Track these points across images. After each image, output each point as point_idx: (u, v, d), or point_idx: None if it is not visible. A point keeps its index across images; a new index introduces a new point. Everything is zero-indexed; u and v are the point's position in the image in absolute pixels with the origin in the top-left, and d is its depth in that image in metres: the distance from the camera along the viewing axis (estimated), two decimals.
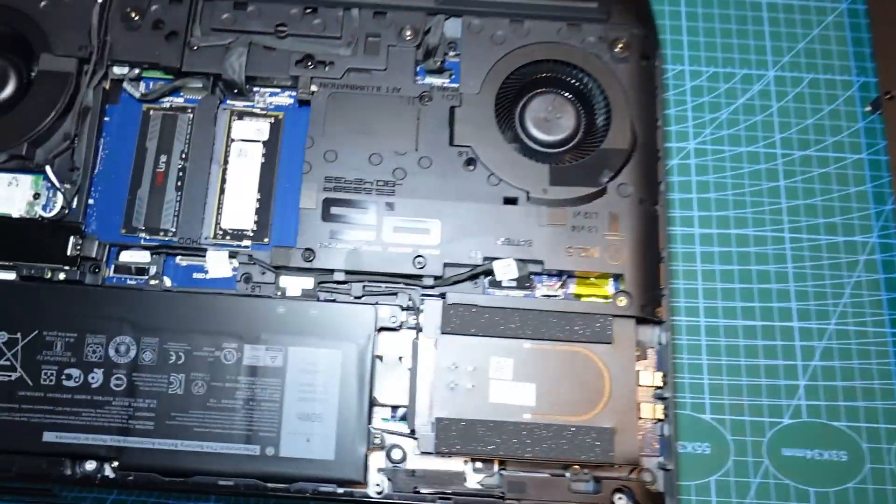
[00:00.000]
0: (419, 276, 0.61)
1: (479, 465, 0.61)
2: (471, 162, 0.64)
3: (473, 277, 0.62)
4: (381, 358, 0.62)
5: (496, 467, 0.61)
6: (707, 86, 0.78)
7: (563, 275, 0.63)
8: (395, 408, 0.62)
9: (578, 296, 0.64)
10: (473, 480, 0.60)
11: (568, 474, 0.60)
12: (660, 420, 0.62)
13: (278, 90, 0.67)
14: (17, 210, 0.63)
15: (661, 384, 0.62)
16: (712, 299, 0.72)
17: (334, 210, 0.62)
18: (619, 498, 0.60)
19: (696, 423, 0.70)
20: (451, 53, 0.67)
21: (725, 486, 0.68)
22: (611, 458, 0.58)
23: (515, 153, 0.64)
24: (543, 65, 0.66)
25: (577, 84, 0.67)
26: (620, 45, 0.66)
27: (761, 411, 0.70)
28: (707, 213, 0.75)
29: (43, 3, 0.66)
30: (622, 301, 0.61)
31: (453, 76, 0.67)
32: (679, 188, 0.74)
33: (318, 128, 0.64)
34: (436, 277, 0.61)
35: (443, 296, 0.61)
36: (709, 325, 0.72)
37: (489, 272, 0.61)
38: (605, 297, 0.63)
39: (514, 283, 0.62)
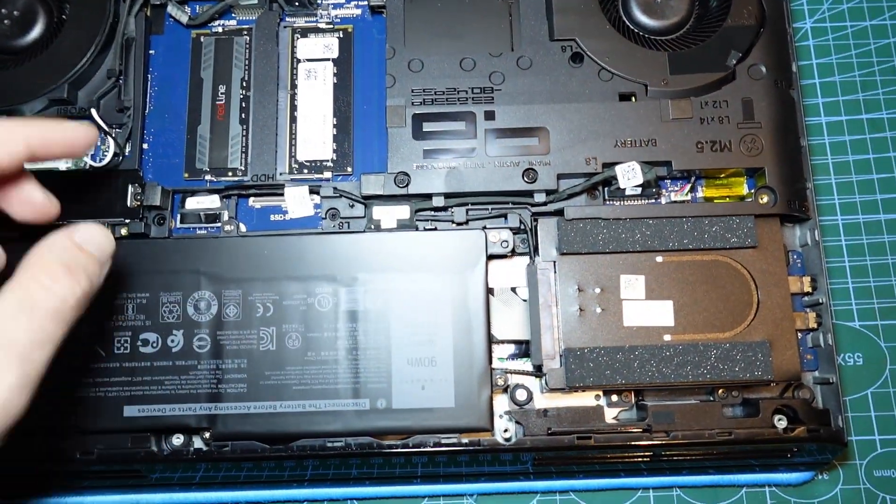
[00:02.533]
0: (530, 193, 0.54)
1: (613, 397, 0.54)
2: (577, 57, 0.56)
3: (592, 188, 0.54)
4: (491, 290, 0.55)
5: (632, 398, 0.54)
6: None
7: (691, 177, 0.55)
8: (514, 343, 0.55)
9: (710, 198, 0.56)
10: (609, 415, 0.54)
11: (714, 398, 0.54)
12: (812, 330, 0.55)
13: (342, 0, 0.59)
14: (62, 163, 0.56)
15: (810, 290, 0.55)
16: (849, 194, 0.65)
17: (427, 126, 0.55)
18: (780, 419, 0.53)
19: (845, 333, 0.62)
20: None
21: (885, 399, 0.61)
22: (770, 375, 0.51)
23: (627, 42, 0.56)
24: None
25: None
26: None
27: None
28: (833, 98, 0.66)
29: None
30: (764, 198, 0.54)
31: None
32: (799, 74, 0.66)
33: (397, 36, 0.56)
34: (548, 192, 0.54)
35: (559, 212, 0.54)
36: (848, 222, 0.64)
37: (609, 180, 0.54)
38: (741, 197, 0.56)
39: (638, 191, 0.54)
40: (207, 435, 0.52)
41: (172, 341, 0.52)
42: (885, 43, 0.67)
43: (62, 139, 0.40)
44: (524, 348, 0.55)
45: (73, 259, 0.38)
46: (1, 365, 0.33)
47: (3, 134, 0.38)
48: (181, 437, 0.52)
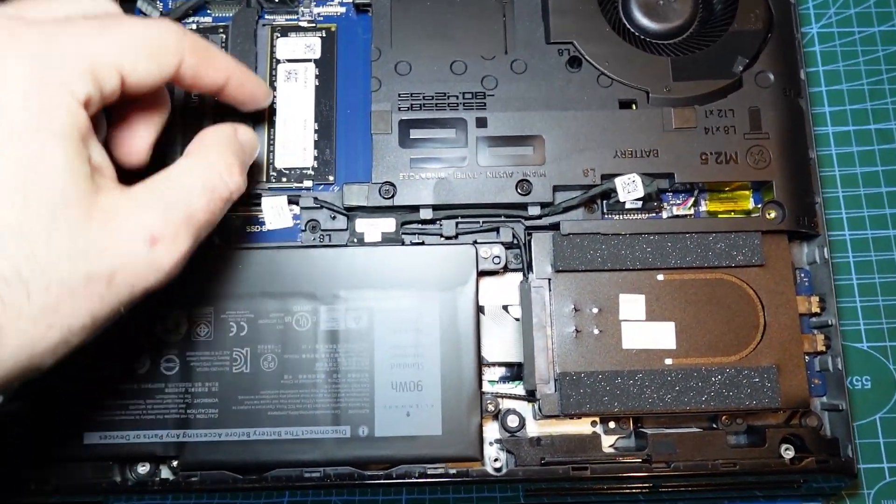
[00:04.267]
0: (524, 206, 0.51)
1: (611, 424, 0.51)
2: (574, 61, 0.52)
3: (590, 201, 0.51)
4: (482, 309, 0.51)
5: (630, 426, 0.51)
6: None
7: (694, 190, 0.52)
8: (506, 366, 0.52)
9: (714, 213, 0.53)
10: (606, 443, 0.51)
11: (718, 426, 0.51)
12: (821, 353, 0.52)
13: None
14: None
15: (818, 310, 0.52)
16: (857, 208, 0.62)
17: (414, 133, 0.51)
18: (787, 449, 0.50)
19: (853, 354, 0.59)
20: None
21: (894, 425, 0.58)
22: (778, 402, 0.48)
23: (628, 46, 0.52)
24: None
25: None
26: None
27: None
28: (840, 107, 0.63)
29: None
30: (772, 214, 0.51)
31: None
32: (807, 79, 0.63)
33: (383, 36, 0.53)
34: (543, 205, 0.51)
35: (554, 226, 0.51)
36: (855, 238, 0.61)
37: (608, 193, 0.50)
38: (747, 212, 0.53)
39: (638, 204, 0.51)
40: (175, 464, 0.48)
41: (139, 363, 0.48)
42: (894, 50, 0.64)
43: (253, 87, 0.46)
44: (516, 371, 0.51)
45: (242, 157, 0.43)
46: (181, 233, 0.37)
47: (219, 59, 0.43)
48: (147, 465, 0.49)
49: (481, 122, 0.51)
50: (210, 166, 0.40)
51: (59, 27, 0.35)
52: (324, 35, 0.55)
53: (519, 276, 0.52)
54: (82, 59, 0.35)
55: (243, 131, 0.44)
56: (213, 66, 0.42)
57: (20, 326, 0.32)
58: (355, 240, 0.51)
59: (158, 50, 0.38)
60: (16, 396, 0.47)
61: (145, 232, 0.36)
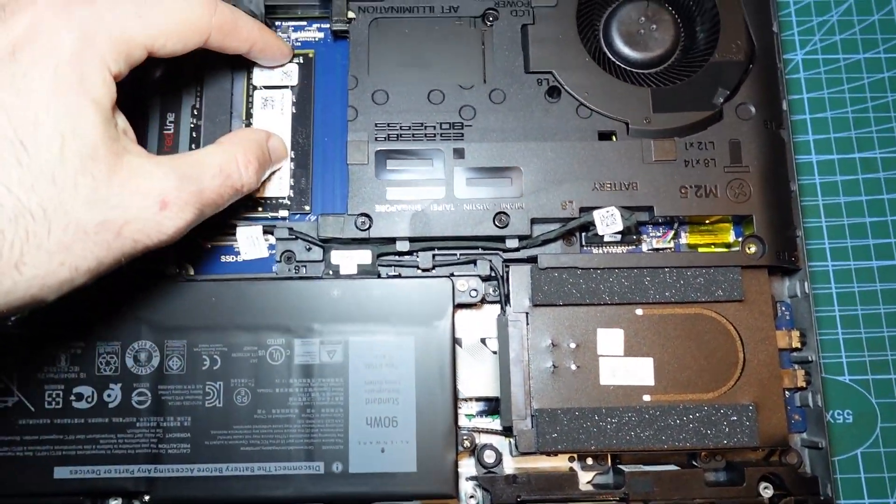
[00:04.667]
0: (501, 238, 0.50)
1: (588, 460, 0.50)
2: (554, 91, 0.52)
3: (568, 234, 0.50)
4: (459, 342, 0.51)
5: (609, 462, 0.50)
6: None
7: (674, 223, 0.52)
8: (483, 400, 0.51)
9: (694, 246, 0.52)
10: (583, 480, 0.50)
11: (696, 463, 0.50)
12: (801, 389, 0.51)
13: (304, 23, 0.55)
14: None
15: (798, 345, 0.51)
16: (840, 239, 0.61)
17: (391, 164, 0.50)
18: (766, 488, 0.49)
19: (834, 387, 0.59)
20: None
21: (875, 459, 0.58)
22: (756, 441, 0.48)
23: (608, 76, 0.52)
24: None
25: None
26: None
27: None
28: (825, 135, 0.63)
29: None
30: (752, 248, 0.50)
31: None
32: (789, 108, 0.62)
33: (360, 64, 0.52)
34: (521, 237, 0.50)
35: (532, 259, 0.50)
36: (838, 269, 0.61)
37: (587, 226, 0.50)
38: (728, 245, 0.52)
39: (617, 238, 0.50)
40: (147, 499, 0.47)
41: (109, 396, 0.48)
42: (880, 77, 0.63)
43: (274, 50, 0.51)
44: (494, 405, 0.51)
45: (264, 160, 0.48)
46: (189, 204, 0.41)
47: (244, 31, 0.48)
48: (118, 500, 0.48)
49: (459, 153, 0.50)
50: (231, 156, 0.45)
51: (105, 5, 0.40)
52: (301, 61, 0.54)
53: (496, 308, 0.51)
54: (119, 40, 0.40)
55: (275, 140, 0.50)
56: (238, 38, 0.48)
57: (38, 259, 0.36)
58: (331, 272, 0.50)
59: (187, 31, 0.44)
60: None
61: (158, 195, 0.40)
